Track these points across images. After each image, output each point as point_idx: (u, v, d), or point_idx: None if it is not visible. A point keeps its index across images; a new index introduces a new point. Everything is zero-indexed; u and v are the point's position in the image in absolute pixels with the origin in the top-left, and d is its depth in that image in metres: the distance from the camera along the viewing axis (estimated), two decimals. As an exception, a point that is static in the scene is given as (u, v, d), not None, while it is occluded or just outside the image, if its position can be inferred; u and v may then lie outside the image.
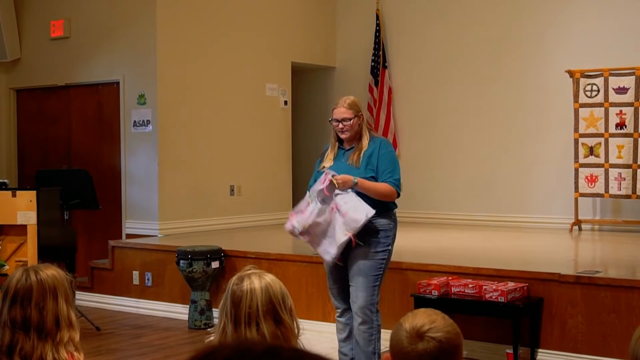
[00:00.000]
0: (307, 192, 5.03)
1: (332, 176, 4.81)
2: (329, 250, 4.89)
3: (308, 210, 4.91)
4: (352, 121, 5.01)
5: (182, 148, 8.88)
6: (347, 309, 5.12)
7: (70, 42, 9.32)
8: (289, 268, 6.94)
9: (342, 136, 5.06)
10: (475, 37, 9.80)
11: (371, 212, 4.79)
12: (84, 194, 7.42)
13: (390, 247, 5.02)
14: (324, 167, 5.10)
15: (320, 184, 4.87)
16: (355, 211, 4.80)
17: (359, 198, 4.84)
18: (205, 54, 9.12)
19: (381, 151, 5.01)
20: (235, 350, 1.12)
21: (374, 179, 4.94)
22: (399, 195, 4.97)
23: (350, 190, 4.84)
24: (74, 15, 9.28)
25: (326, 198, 4.86)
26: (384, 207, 4.95)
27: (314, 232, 4.90)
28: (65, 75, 9.37)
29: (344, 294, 5.11)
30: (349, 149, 5.09)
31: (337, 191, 4.85)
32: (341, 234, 4.81)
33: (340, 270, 5.04)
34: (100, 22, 9.08)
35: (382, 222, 4.95)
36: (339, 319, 5.18)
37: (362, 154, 4.98)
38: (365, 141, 5.03)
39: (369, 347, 4.97)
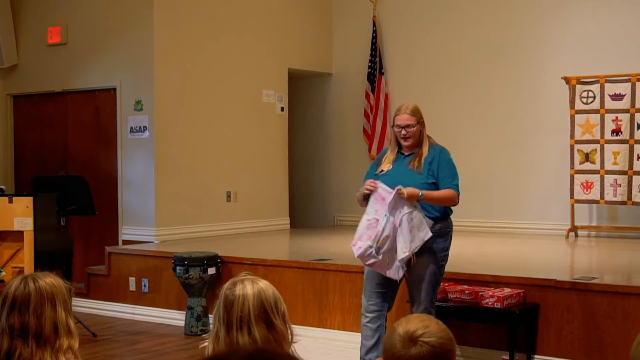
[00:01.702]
0: (371, 211, 4.96)
1: (399, 189, 4.82)
2: (400, 266, 4.87)
3: (380, 226, 4.86)
4: (415, 127, 5.04)
5: (178, 154, 8.89)
6: (380, 315, 5.05)
7: (67, 48, 9.33)
8: (285, 274, 6.94)
9: (405, 143, 5.08)
10: (471, 44, 9.83)
11: (430, 234, 4.87)
12: (80, 200, 7.41)
13: (448, 252, 5.11)
14: (382, 170, 5.10)
15: (388, 195, 4.85)
16: (419, 230, 4.85)
17: (423, 215, 4.89)
18: (202, 61, 9.13)
19: (441, 158, 5.06)
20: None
21: (435, 185, 5.00)
22: (458, 198, 5.04)
23: (417, 203, 4.87)
24: (71, 21, 9.29)
25: (395, 209, 4.85)
26: (443, 212, 5.04)
27: (385, 249, 4.86)
28: (62, 81, 9.37)
29: (381, 299, 5.06)
30: (408, 155, 5.11)
31: (405, 207, 4.85)
32: (401, 252, 4.82)
33: (382, 275, 5.02)
34: (97, 28, 9.09)
35: (441, 227, 5.04)
36: (368, 324, 5.06)
37: (422, 160, 5.02)
38: (425, 148, 5.06)
39: None
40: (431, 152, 5.07)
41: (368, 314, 5.07)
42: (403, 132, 5.04)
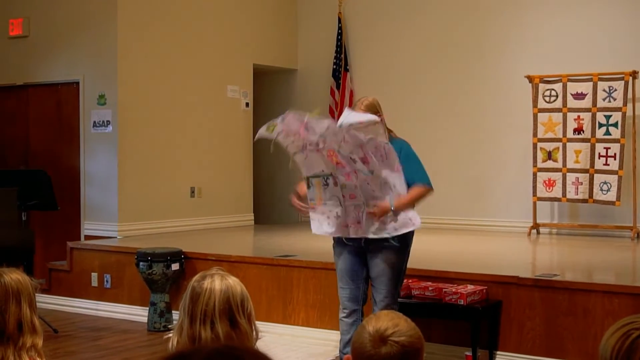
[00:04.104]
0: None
1: (370, 212, 4.83)
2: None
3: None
4: None
5: (142, 149, 8.82)
6: (355, 310, 5.08)
7: (29, 40, 9.21)
8: (249, 270, 6.92)
9: None
10: (436, 42, 9.87)
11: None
12: (42, 194, 7.33)
13: (409, 248, 5.12)
14: None
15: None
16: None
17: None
18: (166, 55, 9.07)
19: (402, 152, 5.00)
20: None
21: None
22: (432, 189, 5.00)
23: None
24: (33, 13, 9.17)
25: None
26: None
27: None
28: (24, 74, 9.25)
29: (355, 295, 5.08)
30: None
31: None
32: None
33: (356, 270, 5.04)
34: (60, 21, 8.99)
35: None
36: (345, 319, 5.09)
37: None
38: None
39: None
40: (393, 145, 5.06)
41: (344, 309, 5.12)
42: None
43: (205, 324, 2.50)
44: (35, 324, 2.72)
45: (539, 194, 8.80)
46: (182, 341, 2.51)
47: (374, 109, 5.05)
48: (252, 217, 10.22)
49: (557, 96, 8.69)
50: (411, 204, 4.93)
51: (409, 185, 4.92)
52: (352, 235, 4.95)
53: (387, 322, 2.08)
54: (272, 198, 11.14)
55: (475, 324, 5.61)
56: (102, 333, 7.00)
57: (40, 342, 2.71)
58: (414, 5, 10.05)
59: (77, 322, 7.45)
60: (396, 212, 4.84)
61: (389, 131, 5.15)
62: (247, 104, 10.14)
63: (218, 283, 2.54)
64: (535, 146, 8.80)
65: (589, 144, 8.51)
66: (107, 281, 7.75)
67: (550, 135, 8.73)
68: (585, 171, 8.52)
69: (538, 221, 8.97)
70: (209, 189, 9.56)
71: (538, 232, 9.03)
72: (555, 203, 9.01)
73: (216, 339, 2.46)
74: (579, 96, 8.58)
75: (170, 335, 2.59)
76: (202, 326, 2.50)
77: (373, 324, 2.09)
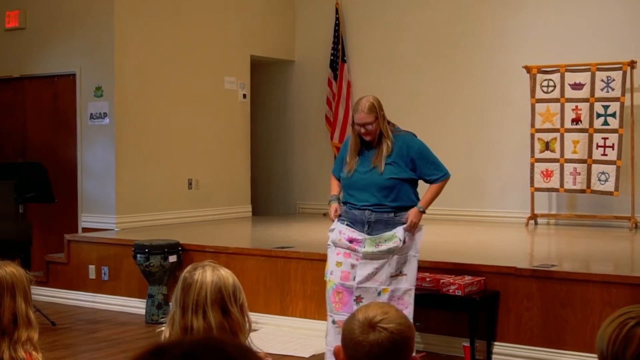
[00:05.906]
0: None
1: (411, 232, 5.05)
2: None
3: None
4: (373, 125, 5.05)
5: (139, 141, 8.80)
6: None
7: (25, 33, 9.18)
8: (247, 262, 6.92)
9: (366, 138, 5.11)
10: (434, 33, 9.85)
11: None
12: (39, 187, 7.32)
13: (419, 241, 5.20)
14: (349, 171, 5.15)
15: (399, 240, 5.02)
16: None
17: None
18: (163, 47, 9.05)
19: (411, 149, 5.10)
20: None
21: (399, 180, 5.06)
22: (449, 175, 5.25)
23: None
24: (29, 5, 9.14)
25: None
26: (412, 202, 5.09)
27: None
28: (21, 66, 9.23)
29: None
30: (372, 149, 5.14)
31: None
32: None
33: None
34: (56, 13, 8.95)
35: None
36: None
37: (383, 158, 5.05)
38: (385, 144, 5.07)
39: None
40: (396, 143, 5.09)
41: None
42: (363, 130, 5.08)
43: (197, 313, 2.49)
44: (30, 317, 2.71)
45: (536, 185, 8.79)
46: (174, 333, 2.50)
47: (375, 109, 5.08)
48: (250, 209, 10.21)
49: (555, 86, 8.68)
50: (434, 200, 5.15)
51: (427, 180, 5.17)
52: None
53: (376, 310, 2.09)
54: (269, 189, 11.13)
55: (473, 314, 5.61)
56: (100, 325, 7.00)
57: (35, 335, 2.70)
58: (411, -5, 10.03)
59: (75, 314, 7.45)
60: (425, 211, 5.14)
61: (392, 126, 5.17)
62: (244, 96, 10.13)
63: (209, 274, 2.54)
64: (532, 137, 8.79)
65: (586, 134, 8.50)
66: (104, 273, 7.75)
67: (548, 125, 8.71)
68: (583, 161, 8.52)
69: (536, 212, 8.97)
70: (207, 181, 9.55)
71: (536, 223, 9.03)
72: (553, 193, 9.01)
73: (208, 328, 2.45)
74: (577, 86, 8.56)
75: (163, 328, 2.58)
76: (194, 316, 2.49)
77: (363, 312, 2.10)
